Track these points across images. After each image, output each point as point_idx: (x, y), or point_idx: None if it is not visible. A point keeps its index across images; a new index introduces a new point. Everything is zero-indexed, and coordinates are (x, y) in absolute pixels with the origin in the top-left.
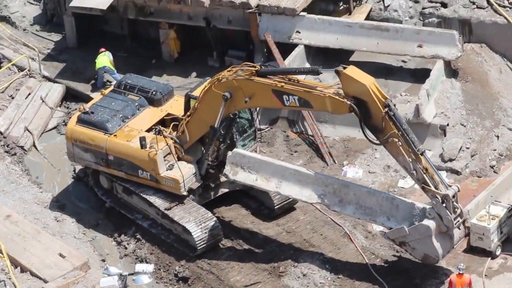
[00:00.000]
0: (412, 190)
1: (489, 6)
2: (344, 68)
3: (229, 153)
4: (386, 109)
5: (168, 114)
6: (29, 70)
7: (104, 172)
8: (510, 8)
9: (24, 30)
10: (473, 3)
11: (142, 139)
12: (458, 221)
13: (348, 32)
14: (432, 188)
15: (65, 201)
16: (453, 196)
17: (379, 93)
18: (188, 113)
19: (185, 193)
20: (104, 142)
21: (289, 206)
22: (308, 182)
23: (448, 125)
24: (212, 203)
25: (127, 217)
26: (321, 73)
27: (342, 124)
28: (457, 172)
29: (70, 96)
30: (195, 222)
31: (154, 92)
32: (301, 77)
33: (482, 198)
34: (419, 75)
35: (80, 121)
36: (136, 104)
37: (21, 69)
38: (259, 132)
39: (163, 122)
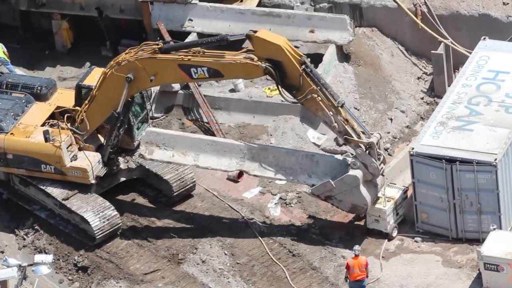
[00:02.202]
0: None
1: None
2: (255, 32)
3: (143, 132)
4: (303, 66)
5: (58, 107)
6: None
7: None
8: None
9: None
10: None
11: (46, 133)
12: (382, 167)
13: (240, 19)
14: (355, 137)
15: None
16: (377, 143)
17: (293, 51)
18: (86, 101)
19: (93, 181)
20: (1, 142)
21: (187, 194)
22: (225, 151)
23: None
24: (109, 192)
25: (25, 208)
26: (230, 41)
27: (236, 110)
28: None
29: None
30: (93, 211)
31: (39, 88)
32: None
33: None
34: (312, 60)
35: None
36: (23, 101)
37: None
38: (154, 120)
39: (52, 116)
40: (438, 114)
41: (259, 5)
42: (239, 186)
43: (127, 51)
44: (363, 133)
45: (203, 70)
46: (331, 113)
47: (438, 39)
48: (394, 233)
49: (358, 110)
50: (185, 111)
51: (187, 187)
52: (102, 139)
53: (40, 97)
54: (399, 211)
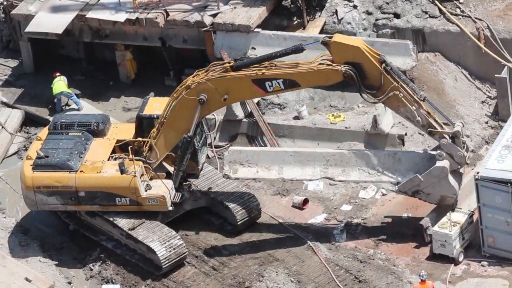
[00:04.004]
0: (374, 200)
1: (442, 15)
2: (330, 37)
3: (225, 152)
4: (383, 65)
5: (118, 141)
6: None
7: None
8: (462, 16)
9: None
10: (426, 12)
11: (122, 165)
12: (467, 155)
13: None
14: (439, 129)
15: (29, 226)
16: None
17: (372, 51)
18: (154, 130)
19: (171, 208)
20: (72, 181)
21: (252, 222)
22: (308, 160)
23: (406, 134)
24: (175, 221)
25: (92, 239)
26: (305, 49)
27: (301, 138)
28: None
29: (30, 121)
30: (159, 241)
31: (96, 124)
32: None
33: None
34: None
35: (38, 166)
36: (83, 138)
37: None
38: (219, 149)
39: (113, 150)
40: (502, 138)
41: (321, 32)
42: (304, 213)
43: (194, 74)
44: (445, 124)
45: (278, 83)
46: (413, 107)
47: (501, 62)
48: (461, 258)
49: (423, 135)
50: (249, 139)
51: (252, 215)
52: (167, 166)
53: (98, 133)
54: (465, 235)
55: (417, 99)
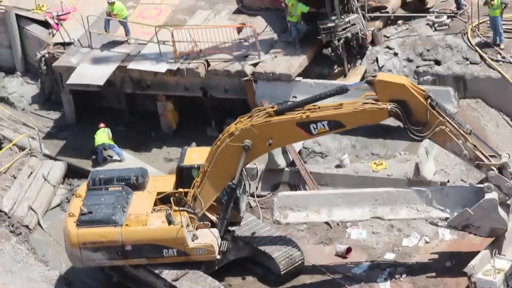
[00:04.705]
0: (417, 248)
1: (483, 61)
2: (374, 76)
3: (275, 198)
4: (429, 101)
5: (159, 193)
6: (30, 150)
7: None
8: (503, 62)
9: (23, 109)
10: (467, 59)
11: (169, 216)
12: None
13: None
14: (487, 161)
15: (72, 278)
16: None
17: (417, 88)
18: (197, 179)
19: (218, 257)
20: (119, 235)
21: (295, 271)
22: (357, 201)
23: (448, 181)
24: (218, 272)
25: None
26: (349, 89)
27: (343, 186)
28: None
29: (72, 172)
30: None
31: (135, 178)
32: None
33: (487, 252)
34: None
35: (83, 223)
36: (123, 193)
37: (22, 148)
38: (261, 198)
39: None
40: None
41: (362, 79)
42: (347, 261)
43: (237, 121)
44: (491, 156)
45: (323, 124)
46: (460, 141)
47: None
48: None
49: (465, 182)
50: (291, 188)
51: (295, 264)
52: (209, 215)
53: (138, 186)
54: (510, 282)
55: (463, 132)
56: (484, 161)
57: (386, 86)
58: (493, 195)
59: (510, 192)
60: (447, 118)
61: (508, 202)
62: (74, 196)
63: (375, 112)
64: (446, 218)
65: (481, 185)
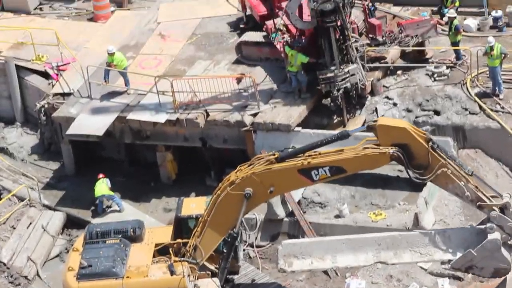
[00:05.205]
0: None
1: (482, 111)
2: (375, 121)
3: (279, 246)
4: (430, 143)
5: (157, 245)
6: (29, 200)
7: None
8: (502, 112)
9: (22, 160)
10: (466, 109)
11: (171, 266)
12: None
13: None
14: (488, 202)
15: None
16: None
17: (417, 131)
18: (198, 229)
19: None
20: (120, 287)
21: None
22: (360, 246)
23: None
24: None
25: None
26: (350, 135)
27: None
28: (459, 278)
29: (71, 223)
30: None
31: (133, 230)
32: None
33: None
34: (417, 184)
35: (83, 277)
36: (121, 245)
37: (21, 199)
38: (260, 248)
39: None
40: None
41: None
42: None
43: (237, 169)
44: (493, 196)
45: (324, 170)
46: (462, 183)
47: None
48: None
49: None
50: (290, 239)
51: None
52: (208, 265)
53: (135, 238)
54: None
55: (464, 174)
56: (486, 202)
57: (388, 130)
58: (496, 235)
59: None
60: (449, 160)
61: (511, 242)
62: (72, 250)
63: (376, 156)
64: (449, 260)
65: (483, 226)
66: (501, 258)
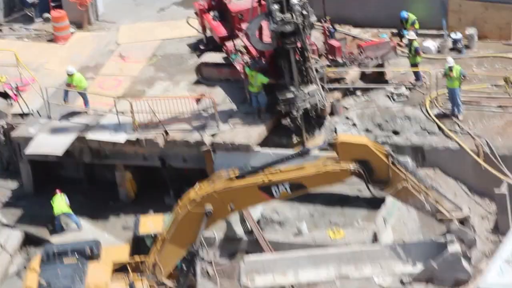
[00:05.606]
0: None
1: (441, 132)
2: (335, 139)
3: (241, 264)
4: (390, 159)
5: (115, 264)
6: None
7: None
8: (461, 133)
9: None
10: (425, 129)
11: (132, 284)
12: (476, 236)
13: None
14: (448, 215)
15: None
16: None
17: (378, 147)
18: (157, 246)
19: None
20: None
21: None
22: (322, 261)
23: None
24: None
25: None
26: (311, 152)
27: None
28: None
29: (29, 241)
30: None
31: (91, 249)
32: None
33: None
34: (375, 203)
35: None
36: (79, 264)
37: None
38: (219, 266)
39: None
40: (503, 252)
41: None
42: None
43: (196, 188)
44: (453, 209)
45: (285, 187)
46: (422, 197)
47: (501, 178)
48: None
49: None
50: None
51: None
52: (166, 282)
53: (93, 257)
54: None
55: (424, 188)
56: (446, 215)
57: (349, 147)
58: (456, 247)
59: (472, 244)
60: (409, 175)
61: (470, 253)
62: (28, 270)
63: (337, 173)
64: (410, 273)
65: (443, 239)
66: (462, 269)
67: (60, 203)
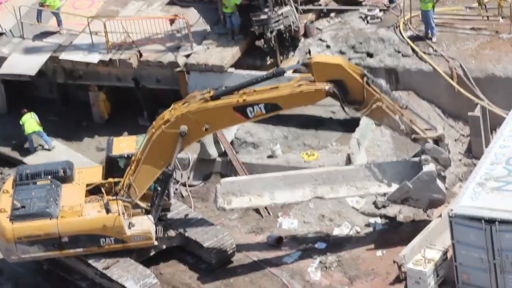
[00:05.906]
0: (348, 238)
1: (414, 54)
2: (310, 58)
3: (218, 185)
4: (365, 78)
5: (88, 185)
6: None
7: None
8: (434, 55)
9: None
10: (399, 52)
11: (107, 204)
12: (451, 157)
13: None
14: (423, 134)
15: (2, 266)
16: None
17: (352, 67)
18: (132, 167)
19: (156, 243)
20: (55, 227)
21: (227, 260)
22: (298, 182)
23: None
24: (149, 260)
25: (66, 278)
26: (286, 72)
27: None
28: (391, 219)
29: (3, 162)
30: (134, 280)
31: (63, 171)
32: None
33: (417, 242)
34: (349, 125)
35: (17, 218)
36: (53, 186)
37: None
38: (193, 187)
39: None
40: (476, 175)
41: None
42: (279, 251)
43: (171, 108)
44: (427, 129)
45: (260, 108)
46: (397, 117)
47: (474, 101)
48: None
49: None
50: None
51: (227, 253)
52: (140, 203)
53: (66, 179)
54: (440, 272)
55: (399, 108)
56: (420, 135)
57: (323, 67)
58: (431, 167)
59: (447, 164)
60: (383, 95)
61: (445, 173)
62: (1, 192)
63: (312, 93)
64: (385, 194)
65: (417, 159)
66: (437, 189)
67: (30, 121)
